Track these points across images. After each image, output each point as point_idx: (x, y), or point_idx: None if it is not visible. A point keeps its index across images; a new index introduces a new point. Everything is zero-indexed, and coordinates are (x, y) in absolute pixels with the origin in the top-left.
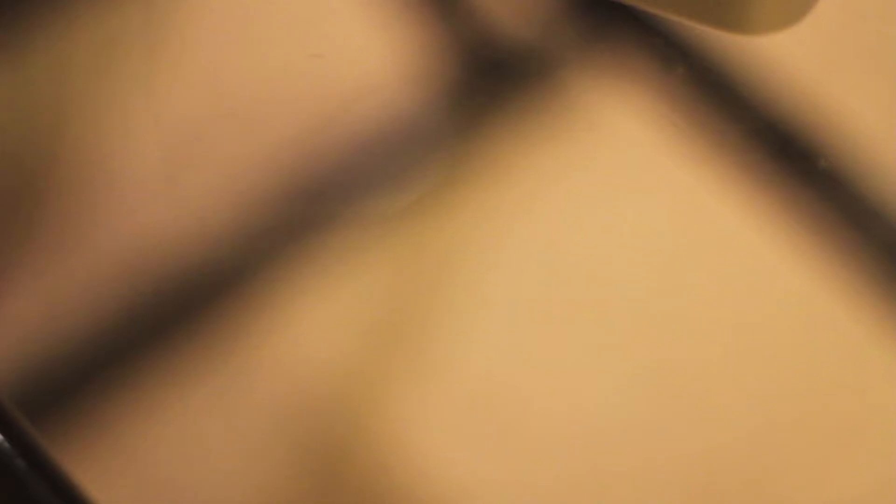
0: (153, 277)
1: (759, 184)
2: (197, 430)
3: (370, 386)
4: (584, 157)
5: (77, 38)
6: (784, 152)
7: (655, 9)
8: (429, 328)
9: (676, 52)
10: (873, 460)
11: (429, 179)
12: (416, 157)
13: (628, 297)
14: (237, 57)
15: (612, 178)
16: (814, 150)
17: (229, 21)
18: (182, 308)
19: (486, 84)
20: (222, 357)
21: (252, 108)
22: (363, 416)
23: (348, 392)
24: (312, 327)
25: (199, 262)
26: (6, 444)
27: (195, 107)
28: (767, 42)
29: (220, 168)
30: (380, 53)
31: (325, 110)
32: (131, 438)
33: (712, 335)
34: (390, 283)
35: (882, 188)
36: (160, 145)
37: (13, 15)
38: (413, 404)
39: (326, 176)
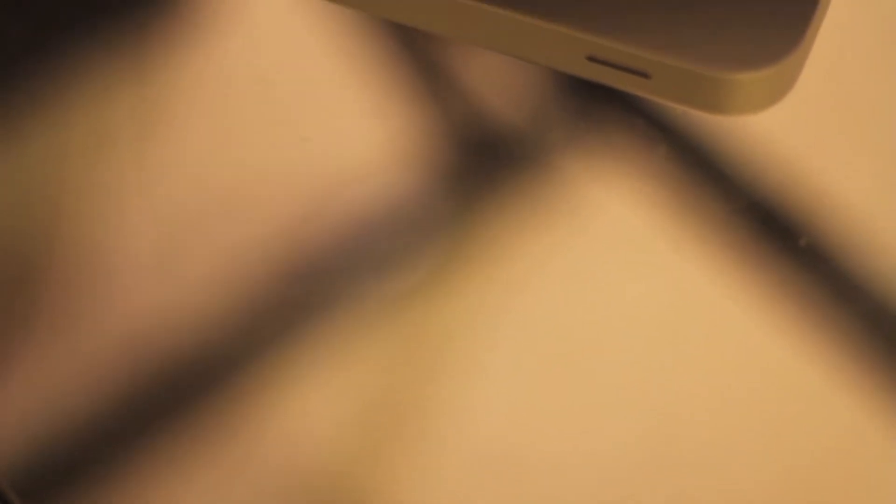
0: (152, 361)
1: (743, 261)
2: None
3: (374, 463)
4: (574, 236)
5: (72, 125)
6: (765, 230)
7: (640, 92)
8: (430, 405)
9: (659, 133)
10: None
11: (425, 261)
12: (412, 240)
13: (622, 370)
14: (229, 141)
15: (603, 255)
16: (795, 227)
17: (220, 106)
18: (181, 391)
19: (478, 167)
20: (224, 437)
21: (246, 192)
22: (368, 494)
23: (352, 470)
24: (316, 407)
25: (198, 345)
26: None
27: (189, 189)
28: (749, 121)
29: (217, 250)
30: (372, 137)
31: (319, 194)
32: None
33: (703, 407)
34: (391, 363)
35: (864, 265)
36: (155, 229)
37: (7, 103)
38: (417, 479)
39: (324, 258)
